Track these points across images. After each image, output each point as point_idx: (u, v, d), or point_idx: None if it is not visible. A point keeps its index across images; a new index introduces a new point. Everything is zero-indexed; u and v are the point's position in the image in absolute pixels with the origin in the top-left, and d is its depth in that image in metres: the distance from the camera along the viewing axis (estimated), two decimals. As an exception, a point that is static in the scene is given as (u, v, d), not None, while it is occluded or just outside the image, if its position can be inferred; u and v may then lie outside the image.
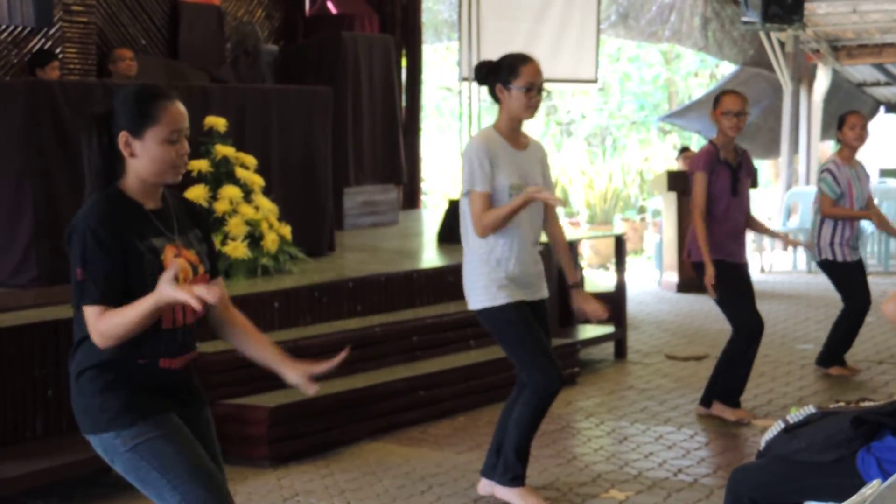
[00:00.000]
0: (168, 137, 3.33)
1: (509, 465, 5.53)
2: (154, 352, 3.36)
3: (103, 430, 3.35)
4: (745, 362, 7.11)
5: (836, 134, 8.35)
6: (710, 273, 6.85)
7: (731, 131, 6.95)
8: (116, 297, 3.24)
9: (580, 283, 5.77)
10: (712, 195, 6.96)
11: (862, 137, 8.26)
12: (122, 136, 3.33)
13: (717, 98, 7.06)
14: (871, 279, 8.51)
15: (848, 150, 8.29)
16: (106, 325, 3.21)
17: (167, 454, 3.32)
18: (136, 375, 3.35)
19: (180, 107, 3.39)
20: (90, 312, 3.25)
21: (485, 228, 5.32)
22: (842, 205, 8.20)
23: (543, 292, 5.58)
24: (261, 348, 3.58)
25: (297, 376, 3.48)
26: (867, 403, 3.77)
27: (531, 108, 5.42)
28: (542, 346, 5.44)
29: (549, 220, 5.65)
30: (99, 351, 3.31)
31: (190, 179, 7.47)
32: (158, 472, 3.31)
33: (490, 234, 5.34)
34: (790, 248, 14.80)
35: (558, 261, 5.80)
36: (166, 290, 3.13)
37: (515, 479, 5.53)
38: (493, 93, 5.48)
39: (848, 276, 8.28)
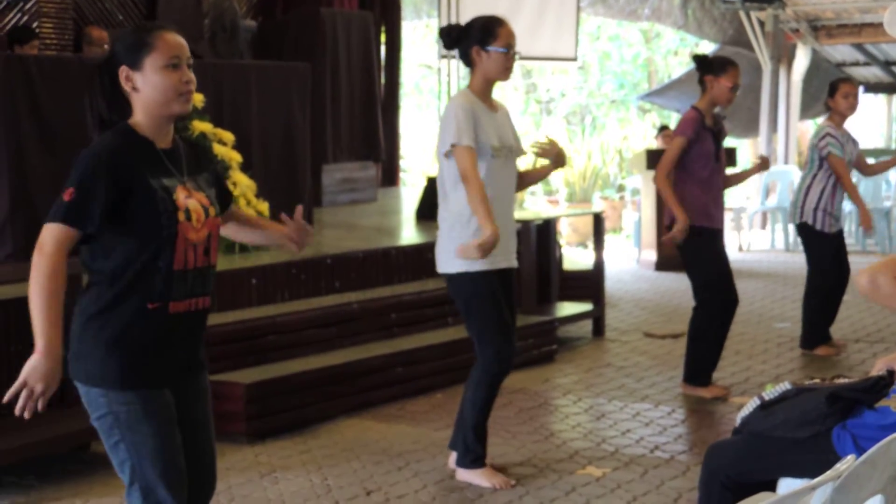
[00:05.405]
0: (167, 63, 3.25)
1: (470, 447, 5.50)
2: (164, 294, 3.25)
3: (94, 384, 3.27)
4: (718, 338, 7.08)
5: (826, 101, 8.15)
6: (682, 218, 6.75)
7: (728, 104, 6.95)
8: (84, 229, 3.16)
9: None
10: (698, 161, 6.88)
11: (853, 106, 8.11)
12: (123, 71, 3.26)
13: (724, 65, 6.93)
14: (848, 258, 8.46)
15: (839, 116, 8.13)
16: (41, 266, 3.13)
17: (143, 433, 3.25)
18: (145, 328, 3.23)
19: (177, 36, 3.31)
20: (54, 231, 3.14)
21: (471, 189, 5.16)
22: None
23: (514, 262, 5.54)
24: (261, 233, 3.78)
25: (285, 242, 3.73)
26: (842, 380, 3.78)
27: (508, 70, 5.39)
28: (504, 326, 5.39)
29: (521, 176, 5.67)
30: (108, 295, 3.23)
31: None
32: (126, 448, 3.27)
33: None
34: (768, 227, 14.87)
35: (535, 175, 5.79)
36: (34, 372, 3.17)
37: (477, 460, 5.51)
38: (465, 56, 5.40)
39: (821, 247, 8.16)
